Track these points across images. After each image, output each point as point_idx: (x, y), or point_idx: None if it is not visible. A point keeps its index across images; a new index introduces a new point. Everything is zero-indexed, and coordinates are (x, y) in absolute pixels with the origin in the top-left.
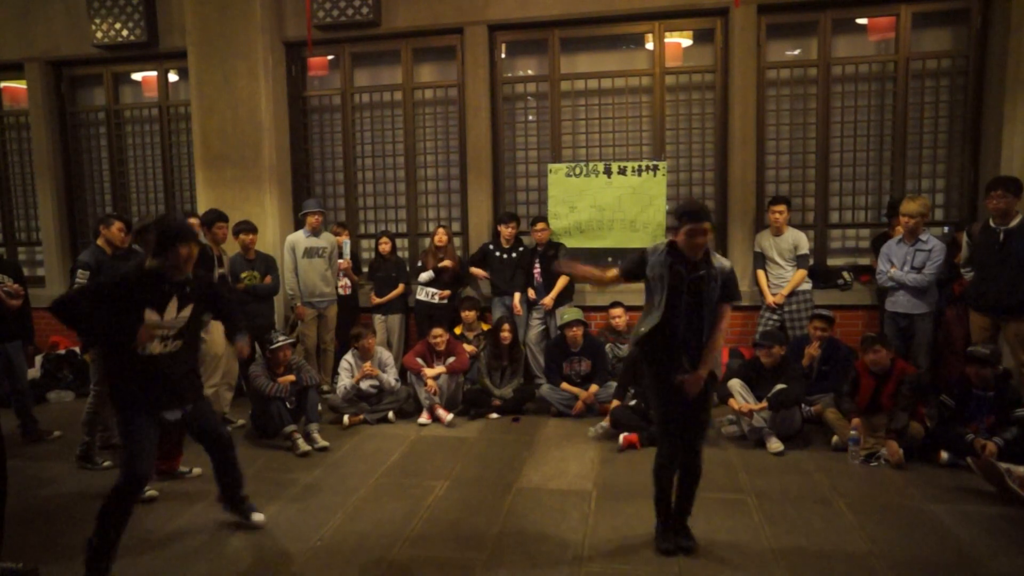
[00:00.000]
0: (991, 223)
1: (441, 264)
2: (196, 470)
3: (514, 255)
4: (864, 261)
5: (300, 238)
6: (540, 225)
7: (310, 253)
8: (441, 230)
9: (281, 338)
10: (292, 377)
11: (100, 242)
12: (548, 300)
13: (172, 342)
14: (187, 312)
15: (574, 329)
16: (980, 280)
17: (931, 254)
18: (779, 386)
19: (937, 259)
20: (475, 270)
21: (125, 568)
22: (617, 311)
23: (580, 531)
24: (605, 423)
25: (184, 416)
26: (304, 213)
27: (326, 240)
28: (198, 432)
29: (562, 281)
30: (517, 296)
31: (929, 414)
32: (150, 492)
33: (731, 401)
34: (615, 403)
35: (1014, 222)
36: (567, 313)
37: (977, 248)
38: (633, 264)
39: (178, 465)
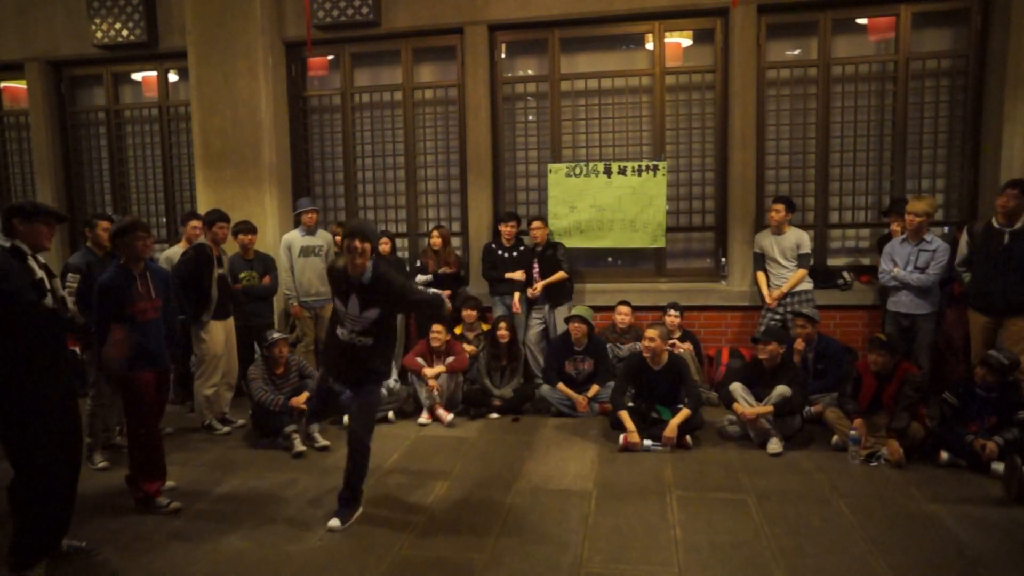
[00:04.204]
0: (995, 223)
1: (442, 270)
2: (174, 504)
3: (515, 254)
4: (865, 261)
5: (296, 237)
6: (536, 224)
7: (306, 252)
8: (436, 231)
9: (276, 334)
10: (304, 403)
11: (90, 244)
12: (538, 287)
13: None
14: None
15: (577, 325)
16: (982, 280)
17: (935, 254)
18: (780, 387)
19: (941, 259)
20: (512, 275)
21: (125, 568)
22: (624, 309)
23: (580, 531)
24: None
25: None
26: (299, 212)
27: (322, 238)
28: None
29: (558, 276)
30: (516, 295)
31: (929, 414)
32: (173, 505)
33: (735, 406)
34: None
35: (1020, 223)
36: (577, 308)
37: (979, 248)
38: None
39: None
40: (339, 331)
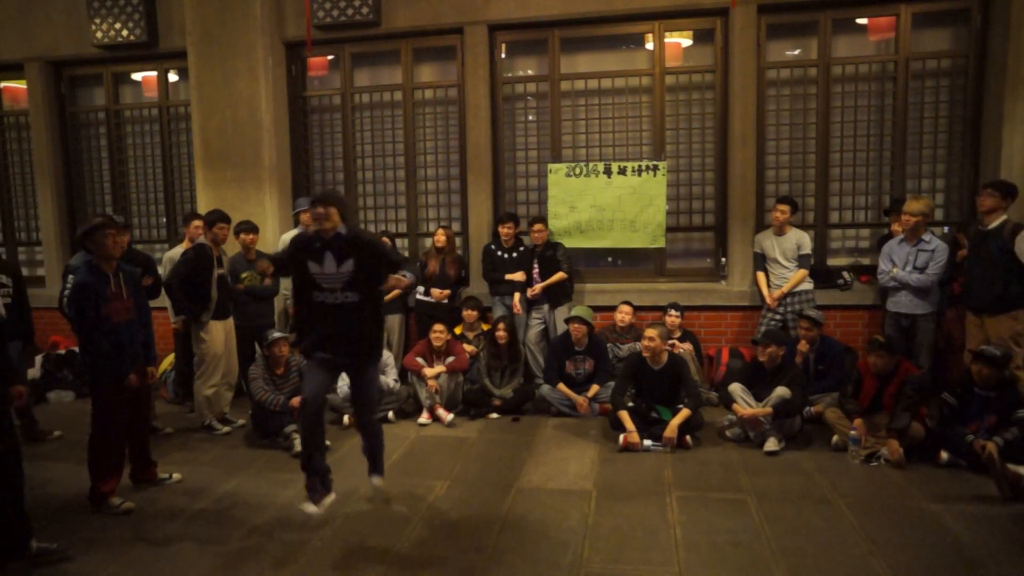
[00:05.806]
0: (980, 225)
1: (440, 295)
2: (176, 475)
3: (514, 255)
4: (865, 261)
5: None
6: (538, 226)
7: None
8: (441, 231)
9: (277, 333)
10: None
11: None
12: (537, 288)
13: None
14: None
15: (577, 326)
16: (969, 279)
17: (934, 254)
18: (779, 389)
19: (940, 259)
20: (513, 276)
21: (125, 567)
22: (626, 308)
23: (580, 531)
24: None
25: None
26: (298, 212)
27: None
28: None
29: (557, 276)
30: (517, 296)
31: (929, 414)
32: (126, 505)
33: (734, 407)
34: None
35: (994, 223)
36: (577, 309)
37: (970, 250)
38: None
39: (156, 473)
40: (318, 296)
